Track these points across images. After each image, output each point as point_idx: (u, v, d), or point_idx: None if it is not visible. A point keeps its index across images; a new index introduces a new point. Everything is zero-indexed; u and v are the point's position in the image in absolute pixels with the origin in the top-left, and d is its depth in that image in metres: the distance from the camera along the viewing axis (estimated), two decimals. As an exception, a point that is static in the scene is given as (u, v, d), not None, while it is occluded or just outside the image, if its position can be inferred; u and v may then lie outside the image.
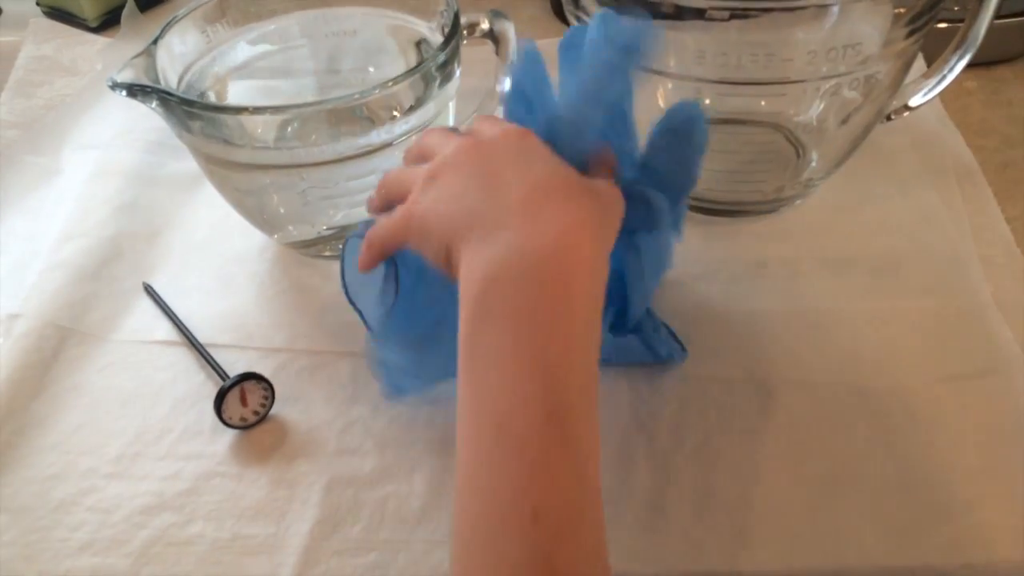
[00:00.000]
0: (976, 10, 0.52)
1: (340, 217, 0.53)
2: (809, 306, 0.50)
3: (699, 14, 0.46)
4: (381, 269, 0.41)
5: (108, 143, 0.66)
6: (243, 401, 0.46)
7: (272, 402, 0.46)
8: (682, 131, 0.42)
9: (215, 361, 0.49)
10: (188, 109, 0.46)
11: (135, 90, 0.46)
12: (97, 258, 0.56)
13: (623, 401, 0.46)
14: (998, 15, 0.51)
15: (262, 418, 0.46)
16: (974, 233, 0.53)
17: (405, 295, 0.42)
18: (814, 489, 0.41)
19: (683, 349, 0.47)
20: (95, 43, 0.78)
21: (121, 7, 0.80)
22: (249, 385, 0.46)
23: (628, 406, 0.45)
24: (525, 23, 0.80)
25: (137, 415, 0.47)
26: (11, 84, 0.73)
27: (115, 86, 0.47)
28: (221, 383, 0.46)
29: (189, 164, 0.54)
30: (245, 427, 0.46)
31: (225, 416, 0.45)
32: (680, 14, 0.46)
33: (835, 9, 0.45)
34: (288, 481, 0.43)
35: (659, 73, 0.49)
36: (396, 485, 0.43)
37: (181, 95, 0.47)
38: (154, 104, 0.47)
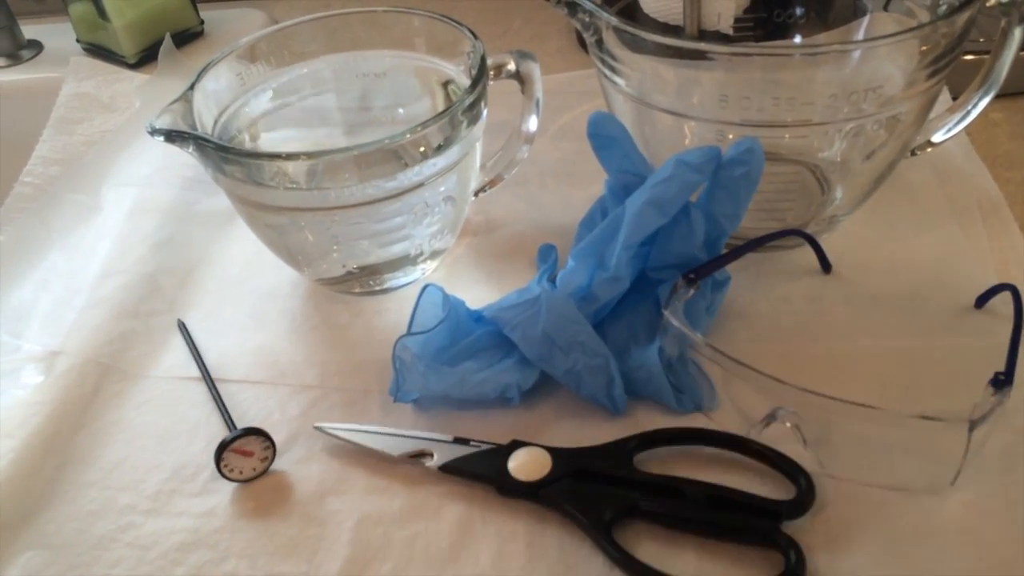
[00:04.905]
0: (1000, 47, 0.52)
1: (368, 256, 0.54)
2: (833, 344, 0.50)
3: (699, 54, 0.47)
4: (440, 315, 0.48)
5: (146, 180, 0.67)
6: (245, 455, 0.46)
7: (274, 455, 0.46)
8: (740, 160, 0.46)
9: (226, 408, 0.49)
10: (223, 155, 0.48)
11: (173, 136, 0.48)
12: (136, 295, 0.57)
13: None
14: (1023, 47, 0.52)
15: (263, 472, 0.46)
16: (1000, 269, 0.53)
17: (451, 319, 0.48)
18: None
19: (712, 388, 0.48)
20: (133, 80, 0.81)
21: (158, 44, 0.82)
22: (249, 440, 0.46)
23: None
24: (551, 55, 0.81)
25: (174, 451, 0.48)
26: (52, 121, 0.75)
27: (154, 132, 0.48)
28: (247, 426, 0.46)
29: (222, 201, 0.56)
30: (245, 480, 0.46)
31: (225, 469, 0.45)
32: (683, 53, 0.48)
33: (856, 53, 0.46)
34: (319, 519, 0.44)
35: (682, 115, 0.50)
36: (424, 524, 0.43)
37: (217, 141, 0.48)
38: (191, 149, 0.48)
